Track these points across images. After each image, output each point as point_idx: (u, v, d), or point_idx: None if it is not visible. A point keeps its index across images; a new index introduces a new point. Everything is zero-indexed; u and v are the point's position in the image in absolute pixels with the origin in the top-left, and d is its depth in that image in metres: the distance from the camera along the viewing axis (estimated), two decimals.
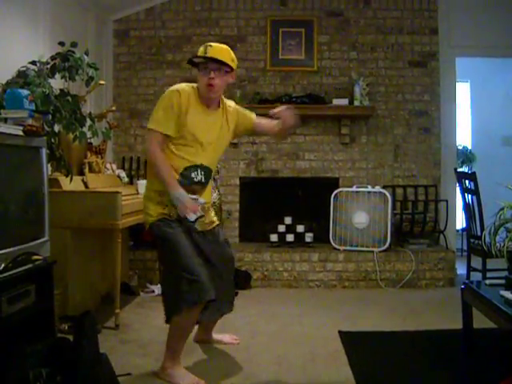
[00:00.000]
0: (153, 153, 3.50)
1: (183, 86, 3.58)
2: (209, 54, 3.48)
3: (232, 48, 6.90)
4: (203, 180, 3.64)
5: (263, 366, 3.81)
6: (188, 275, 3.39)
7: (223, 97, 3.76)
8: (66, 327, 4.34)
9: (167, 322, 3.60)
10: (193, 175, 3.57)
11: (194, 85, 3.61)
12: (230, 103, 3.85)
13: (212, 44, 3.54)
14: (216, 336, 4.27)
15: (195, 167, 3.57)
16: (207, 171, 3.66)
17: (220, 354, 4.04)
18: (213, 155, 3.70)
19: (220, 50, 3.53)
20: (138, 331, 4.62)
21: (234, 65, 3.60)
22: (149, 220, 3.62)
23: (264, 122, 3.92)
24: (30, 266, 3.37)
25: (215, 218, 3.93)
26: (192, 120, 3.52)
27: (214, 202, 4.15)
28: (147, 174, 3.85)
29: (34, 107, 3.70)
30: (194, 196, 3.53)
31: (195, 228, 3.61)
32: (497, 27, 6.97)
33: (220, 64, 3.50)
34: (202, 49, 3.52)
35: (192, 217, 3.44)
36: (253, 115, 3.92)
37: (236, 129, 3.83)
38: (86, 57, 4.51)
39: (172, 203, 3.49)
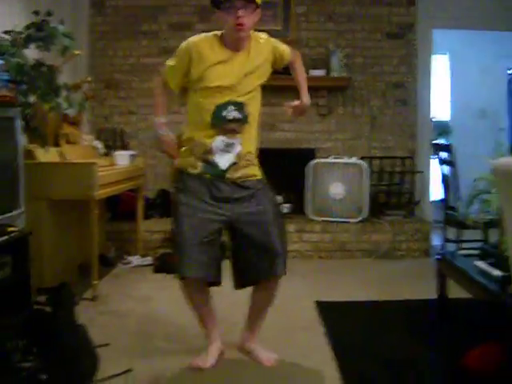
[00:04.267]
0: (154, 89, 3.56)
1: (201, 36, 3.31)
2: None
3: (208, 19, 6.91)
4: (238, 116, 3.25)
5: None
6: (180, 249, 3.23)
7: (252, 32, 3.36)
8: (43, 299, 4.33)
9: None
10: (224, 113, 3.22)
11: (218, 32, 3.30)
12: (261, 35, 3.43)
13: None
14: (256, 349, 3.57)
15: (225, 104, 3.22)
16: (241, 106, 3.26)
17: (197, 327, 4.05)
18: (246, 89, 3.28)
19: None
20: (116, 302, 4.62)
21: (259, 0, 3.22)
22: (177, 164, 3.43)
23: (296, 70, 3.65)
24: (5, 237, 3.36)
25: (256, 172, 3.46)
26: (212, 70, 3.21)
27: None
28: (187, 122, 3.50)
29: (7, 77, 3.66)
30: (231, 140, 3.25)
31: (221, 178, 3.28)
32: None
33: (246, 1, 3.13)
34: None
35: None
36: (287, 51, 3.51)
37: (273, 58, 3.42)
38: (61, 26, 4.45)
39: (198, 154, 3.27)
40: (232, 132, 3.25)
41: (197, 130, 3.30)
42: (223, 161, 3.26)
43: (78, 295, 4.51)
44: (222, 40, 3.27)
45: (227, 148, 3.26)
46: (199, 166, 3.26)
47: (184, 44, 3.30)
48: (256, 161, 3.46)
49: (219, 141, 3.24)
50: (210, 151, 3.25)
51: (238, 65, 3.26)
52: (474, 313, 4.17)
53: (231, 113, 3.23)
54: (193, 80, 3.26)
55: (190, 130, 3.37)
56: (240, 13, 3.10)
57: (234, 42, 3.24)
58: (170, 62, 3.38)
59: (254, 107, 3.36)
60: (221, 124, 3.22)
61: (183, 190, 3.30)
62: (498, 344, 3.17)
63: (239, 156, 3.29)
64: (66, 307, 3.18)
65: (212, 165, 3.25)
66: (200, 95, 3.26)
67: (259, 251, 3.30)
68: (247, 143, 3.35)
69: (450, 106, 9.31)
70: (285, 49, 3.49)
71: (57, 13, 4.66)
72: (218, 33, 3.29)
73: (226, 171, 3.26)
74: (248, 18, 3.16)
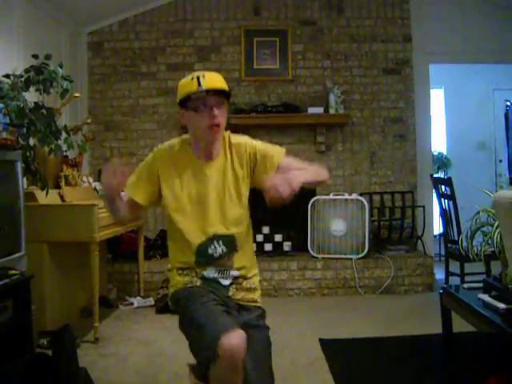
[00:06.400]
0: None
1: (165, 145, 2.80)
2: (206, 86, 2.58)
3: (206, 58, 6.99)
4: (225, 250, 2.68)
5: None
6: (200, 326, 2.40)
7: (226, 133, 2.82)
8: (45, 342, 4.29)
9: None
10: (210, 251, 2.67)
11: (184, 136, 2.82)
12: (238, 139, 2.82)
13: (204, 73, 2.65)
14: None
15: (209, 241, 2.67)
16: (228, 239, 2.70)
17: None
18: (230, 216, 2.72)
19: (216, 79, 2.67)
20: (118, 344, 4.58)
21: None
22: (170, 293, 2.86)
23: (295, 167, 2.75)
24: (6, 280, 3.34)
25: (258, 299, 2.85)
26: (180, 185, 2.71)
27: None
28: (168, 247, 2.96)
29: (8, 120, 3.68)
30: (224, 268, 2.69)
31: (227, 294, 2.70)
32: (469, 33, 7.05)
33: (221, 96, 2.65)
34: (189, 81, 2.63)
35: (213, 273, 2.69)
36: (279, 156, 2.77)
37: (256, 172, 2.77)
38: (60, 69, 4.49)
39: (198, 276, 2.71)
40: (222, 265, 2.71)
41: (182, 263, 2.77)
42: (223, 280, 2.71)
43: (79, 338, 4.47)
44: (191, 148, 2.76)
45: (222, 275, 2.71)
46: (199, 282, 2.71)
47: (149, 157, 2.78)
48: (257, 283, 2.86)
49: (211, 272, 2.70)
50: (203, 277, 2.70)
51: (215, 181, 2.72)
52: (480, 346, 4.13)
53: (218, 249, 2.68)
54: (164, 203, 2.75)
55: (174, 259, 2.85)
56: (216, 111, 2.60)
57: (206, 148, 2.71)
58: (131, 179, 2.72)
59: (245, 227, 2.82)
60: (207, 261, 2.69)
61: (187, 289, 2.70)
62: (505, 377, 3.14)
63: (237, 279, 2.74)
64: (67, 350, 3.15)
65: (212, 281, 2.70)
66: (177, 223, 2.72)
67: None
68: (243, 264, 2.77)
69: (447, 138, 9.35)
70: (275, 152, 2.79)
71: (55, 56, 4.72)
72: (185, 139, 2.81)
73: (228, 288, 2.71)
74: (223, 116, 2.65)
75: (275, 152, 2.78)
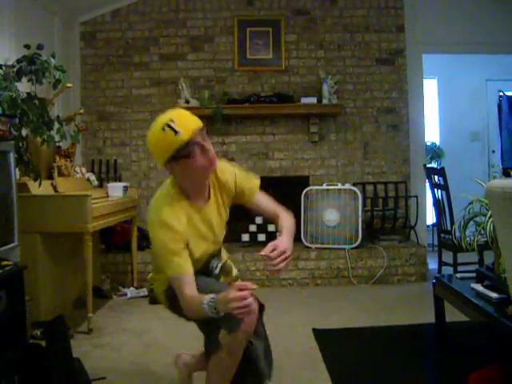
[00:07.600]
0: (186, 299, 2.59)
1: (167, 208, 2.62)
2: (187, 135, 2.49)
3: (199, 49, 6.97)
4: (220, 263, 2.99)
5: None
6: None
7: None
8: (39, 333, 4.29)
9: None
10: (210, 268, 2.89)
11: (167, 189, 2.73)
12: (225, 175, 2.86)
13: (171, 117, 2.59)
14: None
15: (208, 260, 2.88)
16: (219, 251, 3.02)
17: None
18: (221, 239, 2.99)
19: (188, 118, 2.61)
20: (112, 335, 4.59)
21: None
22: (159, 289, 3.07)
23: (264, 206, 3.01)
24: None
25: (236, 275, 3.20)
26: (194, 242, 2.72)
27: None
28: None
29: (0, 111, 3.66)
30: (214, 264, 2.95)
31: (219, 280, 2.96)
32: (462, 24, 7.06)
33: (201, 130, 2.59)
34: (162, 135, 2.54)
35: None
36: (256, 189, 2.95)
37: (234, 199, 2.95)
38: (52, 59, 4.47)
39: None
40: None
41: None
42: (214, 270, 2.94)
43: (73, 328, 4.48)
44: (185, 195, 2.70)
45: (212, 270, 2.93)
46: None
47: (163, 231, 2.58)
48: (231, 263, 3.22)
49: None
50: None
51: (216, 221, 2.86)
52: (473, 336, 4.15)
53: (215, 263, 2.93)
54: None
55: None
56: (207, 146, 2.55)
57: (203, 187, 2.73)
58: (170, 259, 2.59)
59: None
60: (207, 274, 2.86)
61: None
62: (498, 367, 3.15)
63: (224, 267, 3.03)
64: (61, 341, 3.15)
65: (205, 269, 2.88)
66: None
67: None
68: (222, 255, 3.07)
69: (440, 129, 9.37)
70: (254, 185, 2.94)
71: (48, 46, 4.69)
72: (172, 192, 2.69)
73: (219, 275, 2.96)
74: (211, 146, 2.60)
75: (253, 185, 2.94)
